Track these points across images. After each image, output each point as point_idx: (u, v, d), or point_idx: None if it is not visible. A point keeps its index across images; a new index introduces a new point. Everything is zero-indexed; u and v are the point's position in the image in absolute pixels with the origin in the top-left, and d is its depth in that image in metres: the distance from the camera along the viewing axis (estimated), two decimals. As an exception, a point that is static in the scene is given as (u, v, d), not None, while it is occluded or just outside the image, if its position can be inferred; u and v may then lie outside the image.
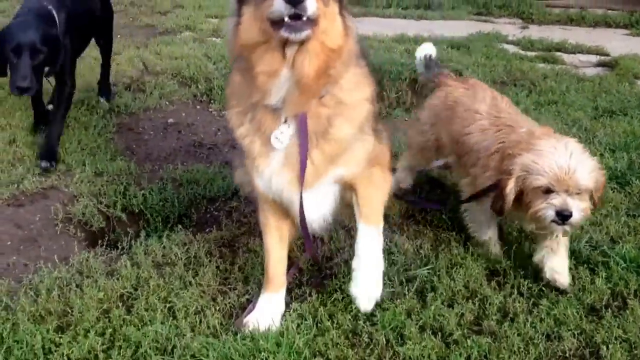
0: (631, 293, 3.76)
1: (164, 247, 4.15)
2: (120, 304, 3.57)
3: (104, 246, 4.30)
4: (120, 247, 4.26)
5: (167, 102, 7.47)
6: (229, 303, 3.61)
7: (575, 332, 3.41)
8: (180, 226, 4.78)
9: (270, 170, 3.09)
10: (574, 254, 4.13)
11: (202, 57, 8.76)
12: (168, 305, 3.56)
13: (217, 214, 4.95)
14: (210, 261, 4.00)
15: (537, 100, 7.49)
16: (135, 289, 3.73)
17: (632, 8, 13.47)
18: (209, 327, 3.38)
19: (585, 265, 4.01)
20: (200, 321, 3.41)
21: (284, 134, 2.98)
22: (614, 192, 5.06)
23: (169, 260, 4.02)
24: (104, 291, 3.65)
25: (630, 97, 7.50)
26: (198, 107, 7.73)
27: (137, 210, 4.86)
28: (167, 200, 4.94)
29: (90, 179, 4.99)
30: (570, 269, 3.93)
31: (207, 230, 4.59)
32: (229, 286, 3.78)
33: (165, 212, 4.90)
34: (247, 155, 3.18)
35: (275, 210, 3.37)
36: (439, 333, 3.38)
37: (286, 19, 2.61)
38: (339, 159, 3.12)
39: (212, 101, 7.81)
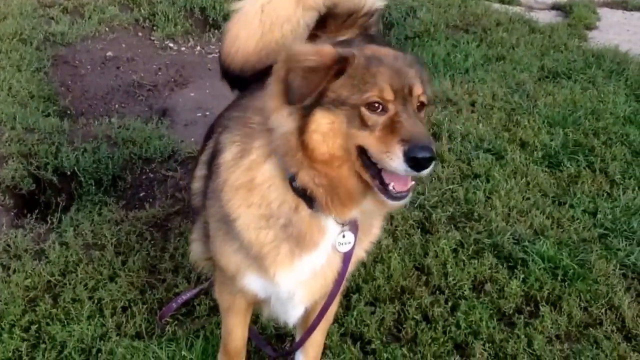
0: (544, 297, 3.99)
1: (94, 226, 4.18)
2: (47, 295, 3.64)
3: (34, 216, 4.29)
4: (49, 220, 4.26)
5: (106, 29, 7.25)
6: (157, 298, 3.71)
7: (487, 342, 3.64)
8: (113, 189, 4.81)
9: (292, 280, 2.65)
10: (496, 249, 4.34)
11: (147, -25, 8.42)
12: (96, 297, 3.64)
13: (152, 176, 4.96)
14: (141, 245, 4.06)
15: (486, 53, 7.53)
16: (64, 275, 3.79)
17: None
18: (135, 326, 3.49)
19: (505, 264, 4.22)
20: (127, 319, 3.52)
21: (346, 237, 2.61)
22: (544, 174, 5.23)
23: (99, 242, 4.06)
24: (31, 278, 3.71)
25: (577, 56, 7.58)
26: (140, 34, 7.54)
27: (69, 173, 4.81)
28: (101, 161, 4.90)
29: (20, 137, 4.88)
30: (489, 268, 4.15)
31: (138, 202, 4.62)
32: (159, 276, 3.87)
33: (99, 174, 4.87)
34: (253, 258, 2.67)
35: (250, 298, 2.96)
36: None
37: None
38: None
39: (154, 28, 7.62)
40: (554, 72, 7.15)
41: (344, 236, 2.60)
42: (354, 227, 2.61)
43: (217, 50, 6.17)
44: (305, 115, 2.33)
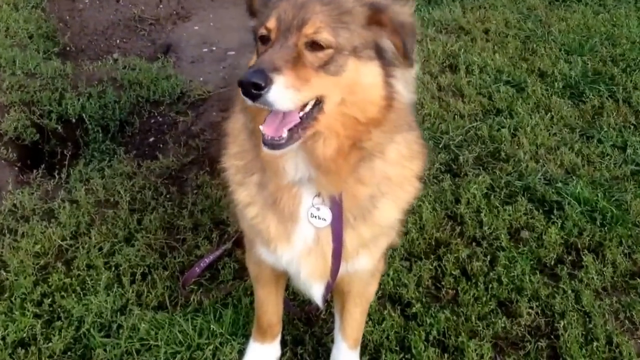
0: (585, 245, 3.47)
1: (105, 181, 3.58)
2: (59, 262, 3.08)
3: (40, 171, 3.69)
4: (57, 175, 3.65)
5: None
6: (178, 262, 3.15)
7: (532, 299, 3.14)
8: (120, 135, 4.20)
9: (291, 255, 2.27)
10: (528, 191, 3.81)
11: None
12: (112, 262, 3.09)
13: (162, 120, 4.33)
14: (156, 202, 3.47)
15: (496, -25, 6.73)
16: (76, 238, 3.22)
17: None
18: (156, 296, 2.95)
19: (540, 209, 3.68)
20: (148, 288, 2.98)
21: (321, 211, 2.18)
22: (567, 107, 4.65)
23: (111, 199, 3.47)
24: (41, 243, 3.14)
25: (586, -23, 6.83)
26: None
27: (74, 120, 4.16)
28: (107, 106, 4.25)
29: (21, 83, 4.19)
30: (524, 213, 3.63)
31: (148, 148, 4.01)
32: (178, 237, 3.30)
33: (105, 119, 4.22)
34: (251, 229, 2.36)
35: (274, 268, 2.53)
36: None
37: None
38: (372, 246, 2.35)
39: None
40: (565, -6, 6.44)
41: (318, 209, 2.18)
42: (334, 203, 2.17)
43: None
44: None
